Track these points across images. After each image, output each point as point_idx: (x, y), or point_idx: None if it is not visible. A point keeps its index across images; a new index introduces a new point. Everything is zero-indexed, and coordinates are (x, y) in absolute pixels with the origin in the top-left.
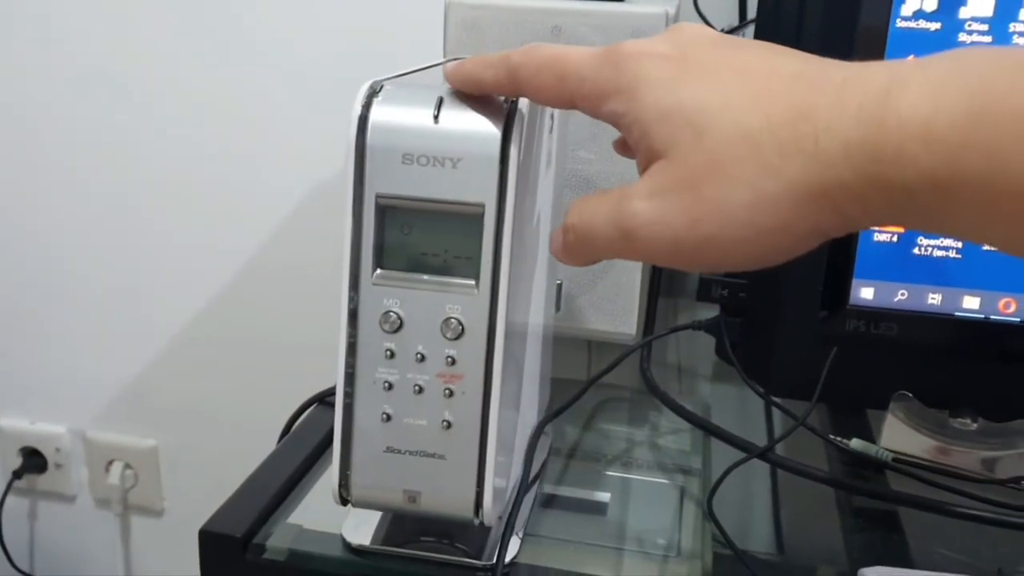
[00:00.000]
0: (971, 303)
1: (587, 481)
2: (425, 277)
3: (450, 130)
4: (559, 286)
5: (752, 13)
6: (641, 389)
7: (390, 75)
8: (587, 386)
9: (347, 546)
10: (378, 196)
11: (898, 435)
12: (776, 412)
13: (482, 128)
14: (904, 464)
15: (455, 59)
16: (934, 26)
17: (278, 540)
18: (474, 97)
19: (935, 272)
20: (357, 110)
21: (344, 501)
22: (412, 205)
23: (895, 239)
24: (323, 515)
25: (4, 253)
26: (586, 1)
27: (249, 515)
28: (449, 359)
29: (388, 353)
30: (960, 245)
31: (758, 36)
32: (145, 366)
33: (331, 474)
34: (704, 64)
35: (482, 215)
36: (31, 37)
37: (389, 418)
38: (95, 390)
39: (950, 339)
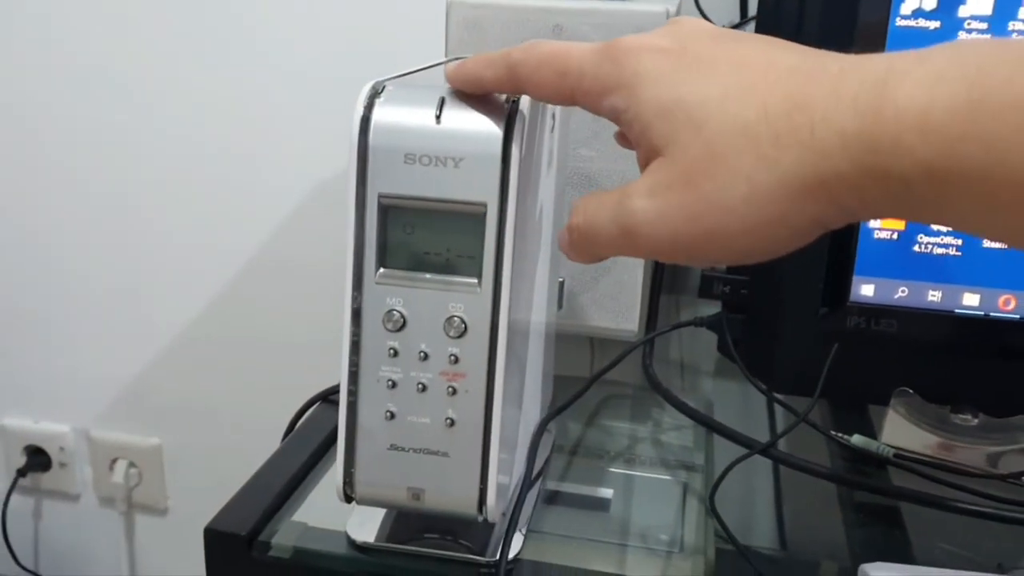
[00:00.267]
0: (971, 300)
1: (590, 477)
2: (428, 276)
3: (452, 130)
4: (561, 283)
5: (753, 10)
6: (643, 386)
7: (392, 75)
8: (590, 383)
9: (352, 543)
10: (381, 196)
11: (899, 431)
12: (778, 408)
13: (484, 128)
14: (905, 460)
15: (456, 59)
16: (933, 24)
17: (283, 538)
18: (476, 97)
19: (935, 269)
20: (359, 110)
21: (348, 499)
22: (414, 205)
23: (895, 236)
24: (327, 513)
25: (6, 253)
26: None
27: (254, 513)
28: (452, 357)
29: (391, 352)
30: (960, 242)
31: (759, 29)
32: (148, 365)
33: (335, 472)
34: (703, 57)
35: (484, 214)
36: (31, 36)
37: (393, 416)
38: (99, 389)
39: (950, 336)
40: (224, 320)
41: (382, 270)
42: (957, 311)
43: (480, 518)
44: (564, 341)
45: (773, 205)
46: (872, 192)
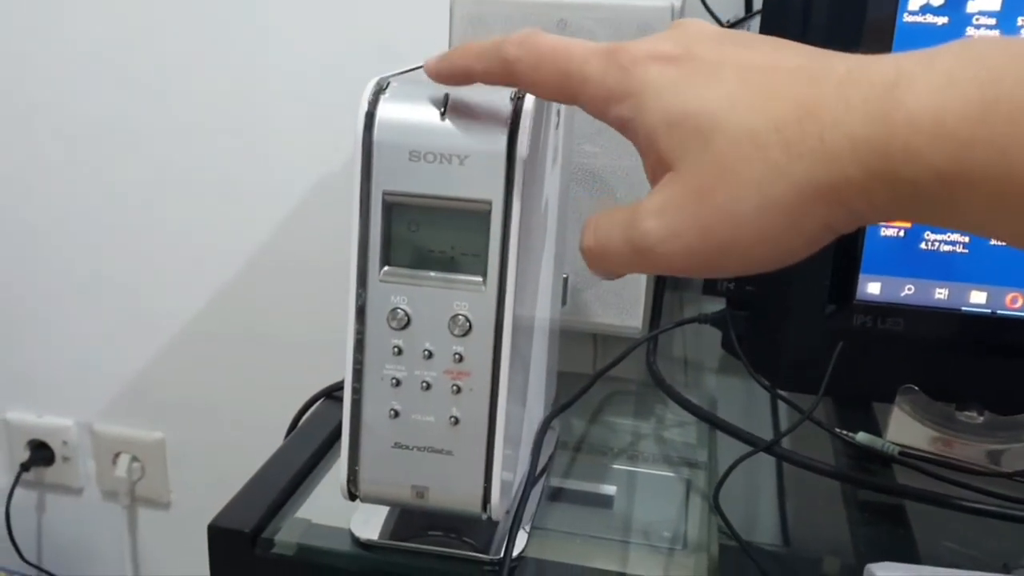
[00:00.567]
0: (978, 298)
1: (593, 474)
2: (432, 274)
3: (457, 127)
4: (565, 280)
5: (758, 5)
6: (647, 382)
7: (396, 71)
8: (594, 380)
9: (355, 540)
10: (385, 193)
11: (904, 428)
12: (782, 405)
13: (489, 125)
14: (910, 458)
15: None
16: (941, 20)
17: (287, 535)
18: (481, 94)
19: (942, 267)
20: (364, 107)
21: (352, 496)
22: (419, 202)
23: (902, 234)
24: (331, 510)
25: (10, 247)
26: None
27: (258, 510)
28: (456, 356)
29: (396, 350)
30: (967, 240)
31: (764, 28)
32: (152, 359)
33: (339, 469)
34: (709, 63)
35: (489, 212)
36: (36, 30)
37: (397, 414)
38: (102, 383)
39: (957, 334)
40: (228, 315)
41: (386, 268)
42: (964, 309)
43: (484, 516)
44: (568, 338)
45: (785, 213)
46: (883, 197)
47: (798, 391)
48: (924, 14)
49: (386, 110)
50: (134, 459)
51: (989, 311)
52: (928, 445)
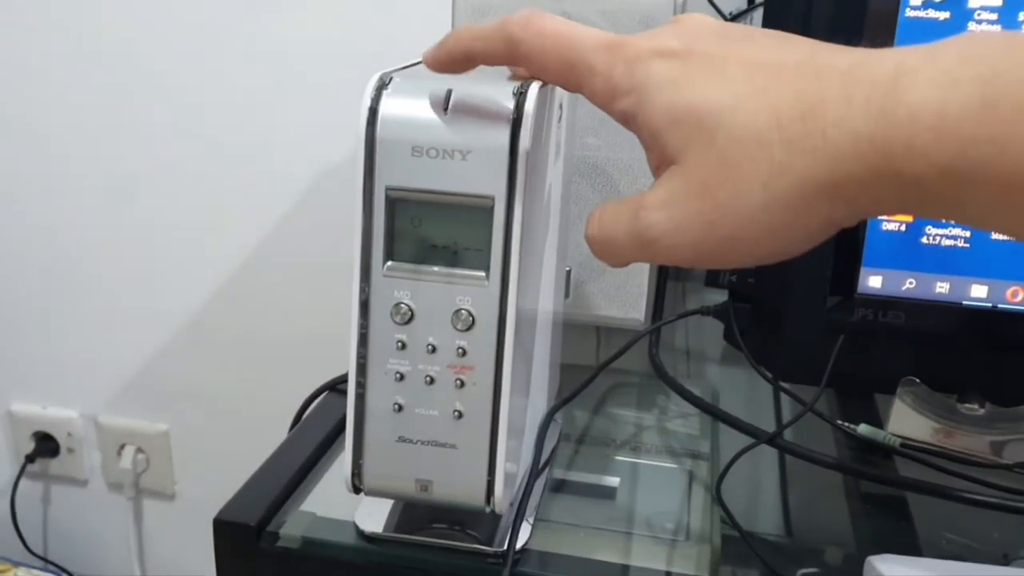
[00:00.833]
0: (979, 292)
1: (596, 466)
2: (435, 269)
3: (459, 122)
4: (568, 273)
5: None
6: (650, 374)
7: (399, 66)
8: (596, 372)
9: (360, 533)
10: (388, 188)
11: (905, 420)
12: (784, 397)
13: (491, 120)
14: (911, 449)
15: None
16: (943, 15)
17: (291, 528)
18: (483, 89)
19: (943, 261)
20: (366, 102)
21: (357, 490)
22: (422, 197)
23: (903, 228)
24: (336, 503)
25: (15, 239)
26: None
27: (262, 503)
28: (460, 350)
29: (399, 344)
30: (968, 234)
31: (766, 21)
32: (156, 351)
33: (343, 462)
34: (712, 59)
35: (492, 207)
36: (44, 20)
37: (401, 408)
38: (107, 375)
39: (958, 327)
40: (232, 307)
41: (390, 263)
42: (965, 303)
43: (488, 509)
44: (571, 330)
45: (789, 210)
46: (885, 193)
47: (800, 383)
48: (926, 9)
49: (389, 105)
50: (139, 451)
51: (990, 305)
52: (929, 437)
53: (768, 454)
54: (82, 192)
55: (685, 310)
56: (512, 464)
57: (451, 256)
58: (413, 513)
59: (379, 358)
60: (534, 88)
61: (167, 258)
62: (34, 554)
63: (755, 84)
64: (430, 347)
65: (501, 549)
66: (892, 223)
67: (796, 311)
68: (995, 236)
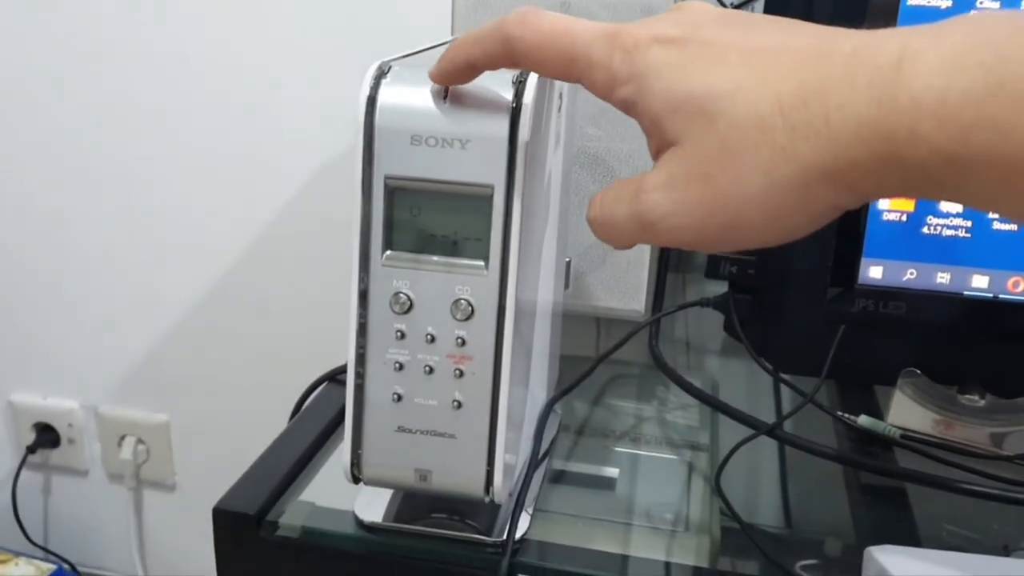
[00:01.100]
0: (980, 282)
1: (596, 457)
2: (434, 258)
3: (459, 111)
4: (568, 263)
5: None
6: (650, 365)
7: (398, 55)
8: (596, 363)
9: (359, 523)
10: (387, 177)
11: (906, 411)
12: (784, 388)
13: (491, 109)
14: (912, 441)
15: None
16: (946, 3)
17: (291, 517)
18: (482, 78)
19: (944, 251)
20: (366, 91)
21: (356, 479)
22: (421, 186)
23: (904, 218)
24: (335, 492)
25: (16, 230)
26: None
27: (262, 493)
28: (459, 340)
29: (399, 334)
30: (969, 224)
31: (767, 10)
32: (157, 342)
33: (343, 452)
34: (713, 46)
35: (491, 196)
36: (52, 17)
37: (400, 398)
38: (107, 366)
39: (959, 318)
40: (232, 298)
41: (388, 252)
42: (966, 293)
43: (487, 499)
44: (571, 321)
45: (791, 195)
46: (888, 178)
47: (800, 374)
48: None
49: (387, 94)
50: (139, 441)
51: (991, 295)
52: (930, 428)
53: (768, 445)
54: (83, 183)
55: (685, 301)
56: (511, 454)
57: (450, 246)
58: (412, 503)
59: (378, 348)
60: (533, 77)
61: (167, 249)
62: (35, 544)
63: (757, 70)
64: (429, 337)
65: (500, 539)
66: (893, 214)
67: (796, 302)
68: (996, 226)
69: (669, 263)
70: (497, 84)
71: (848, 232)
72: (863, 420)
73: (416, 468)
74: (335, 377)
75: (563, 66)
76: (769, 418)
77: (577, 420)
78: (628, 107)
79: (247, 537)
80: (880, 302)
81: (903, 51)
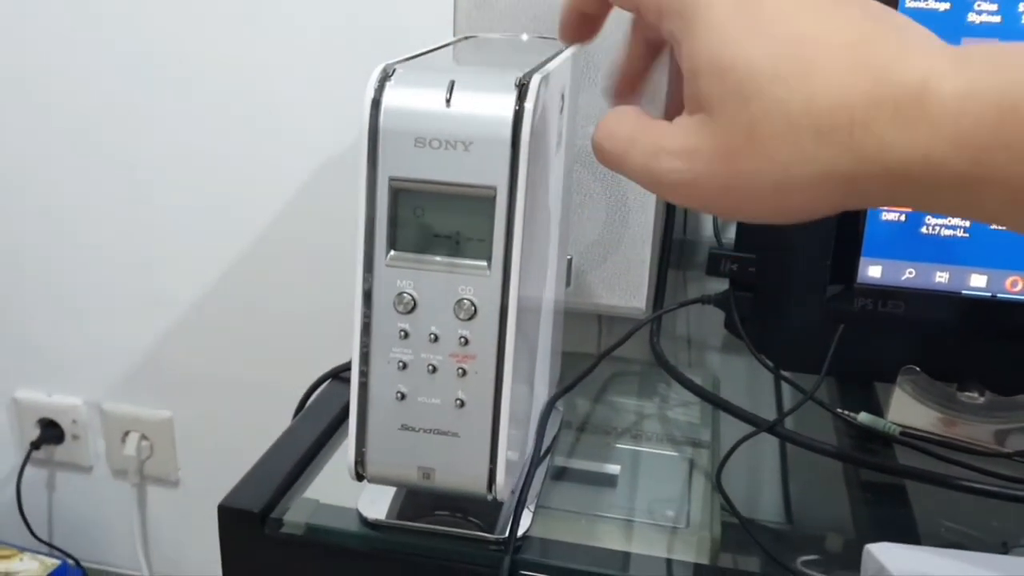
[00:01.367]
0: (978, 281)
1: (598, 454)
2: (438, 259)
3: (462, 113)
4: (570, 261)
5: None
6: (651, 363)
7: (402, 57)
8: (598, 360)
9: (363, 520)
10: (391, 179)
11: (906, 409)
12: (785, 385)
13: (494, 111)
14: (911, 438)
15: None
16: (944, 6)
17: (295, 515)
18: (486, 80)
19: (943, 250)
20: (370, 93)
21: (360, 477)
22: (425, 188)
23: (903, 218)
24: (339, 490)
25: (20, 227)
26: None
27: (266, 490)
28: (462, 339)
29: (402, 333)
30: (968, 224)
31: None
32: (160, 339)
33: (346, 449)
34: (764, 10)
35: (494, 198)
36: (55, 18)
37: (404, 397)
38: (111, 362)
39: (958, 317)
40: (236, 295)
41: (392, 252)
42: (964, 292)
43: (489, 497)
44: (572, 318)
45: (803, 192)
46: (900, 192)
47: (801, 371)
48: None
49: (392, 96)
50: (143, 437)
51: (989, 294)
52: (929, 425)
53: (768, 442)
54: (87, 179)
55: (686, 299)
56: (514, 452)
57: (453, 246)
58: (416, 500)
59: (382, 347)
60: (536, 79)
61: (171, 246)
62: (39, 539)
63: (796, 61)
64: (432, 336)
65: (503, 536)
66: (892, 213)
67: (797, 300)
68: (995, 226)
69: (670, 261)
70: (499, 86)
71: (847, 231)
72: (863, 417)
73: (419, 466)
74: (339, 375)
75: None
76: (770, 415)
77: (579, 417)
78: (672, 41)
79: (251, 534)
80: (879, 301)
81: (929, 72)
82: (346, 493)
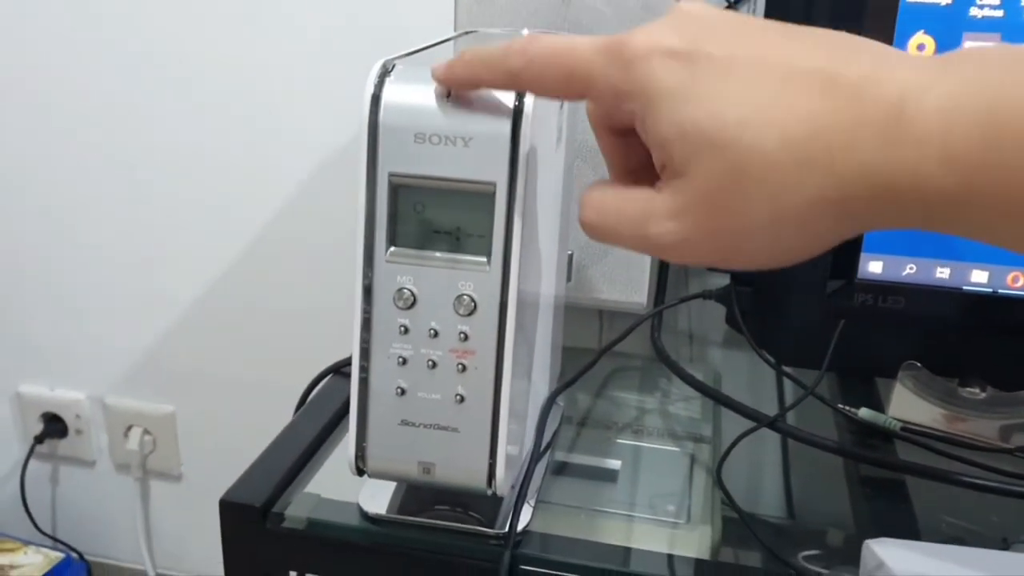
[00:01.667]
0: (979, 277)
1: (598, 449)
2: (437, 255)
3: (462, 110)
4: (570, 256)
5: None
6: (652, 358)
7: (402, 53)
8: (599, 356)
9: (364, 515)
10: (391, 175)
11: (906, 404)
12: (786, 381)
13: (493, 108)
14: (912, 433)
15: (467, 32)
16: (945, 1)
17: (296, 509)
18: None
19: (944, 246)
20: (370, 89)
21: (360, 472)
22: (424, 184)
23: None
24: (340, 484)
25: (23, 223)
26: None
27: (268, 485)
28: (462, 335)
29: (402, 329)
30: None
31: (767, 8)
32: (163, 333)
33: (347, 444)
34: (717, 62)
35: (493, 193)
36: (55, 17)
37: (404, 392)
38: (114, 357)
39: (958, 313)
40: (238, 290)
41: (392, 248)
42: (965, 288)
43: (489, 491)
44: (573, 313)
45: (794, 224)
46: (890, 212)
47: (801, 366)
48: None
49: (392, 92)
50: (146, 432)
51: (990, 290)
52: (930, 421)
53: (769, 437)
54: (89, 176)
55: (687, 294)
56: (513, 447)
57: (453, 242)
58: (416, 495)
59: (382, 342)
60: None
61: (174, 241)
62: (43, 533)
63: (762, 95)
64: (432, 332)
65: (503, 531)
66: None
67: (797, 295)
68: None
69: None
70: None
71: None
72: (864, 412)
73: (420, 461)
74: (340, 370)
75: (564, 85)
76: (771, 410)
77: (579, 412)
78: (634, 120)
79: (253, 528)
80: (880, 296)
81: (906, 87)
82: (347, 488)
